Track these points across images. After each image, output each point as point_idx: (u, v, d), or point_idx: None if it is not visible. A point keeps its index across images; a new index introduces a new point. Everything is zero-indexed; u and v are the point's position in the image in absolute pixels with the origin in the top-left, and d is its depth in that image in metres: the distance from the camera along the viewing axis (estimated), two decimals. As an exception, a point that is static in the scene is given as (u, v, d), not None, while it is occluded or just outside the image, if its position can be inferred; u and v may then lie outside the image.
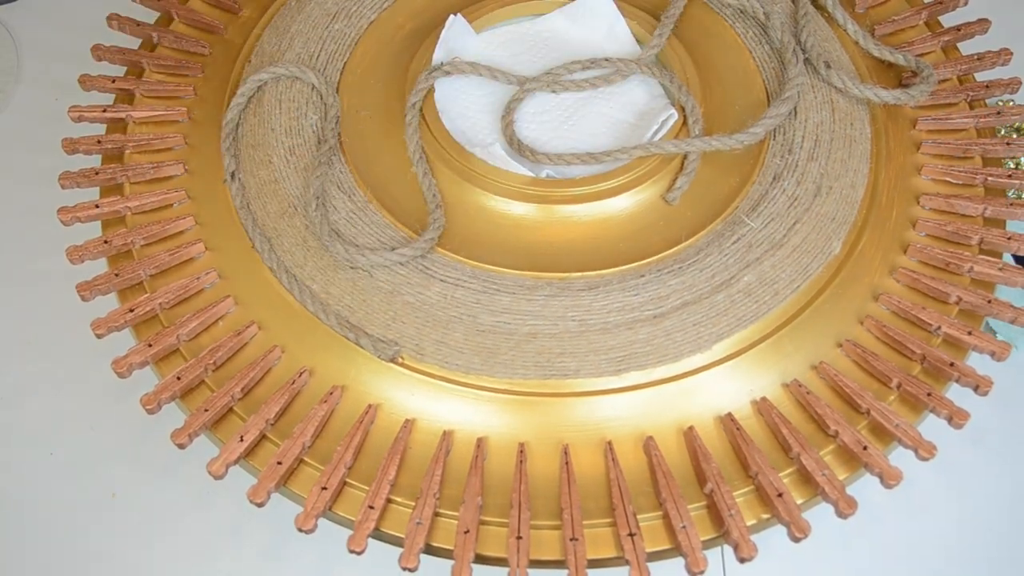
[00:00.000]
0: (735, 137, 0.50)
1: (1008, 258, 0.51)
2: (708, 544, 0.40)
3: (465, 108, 0.54)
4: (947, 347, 0.45)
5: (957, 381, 0.43)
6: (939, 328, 0.45)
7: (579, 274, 0.47)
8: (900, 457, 0.42)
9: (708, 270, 0.46)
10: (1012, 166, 0.52)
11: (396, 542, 0.40)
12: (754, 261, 0.46)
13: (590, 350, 0.44)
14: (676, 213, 0.49)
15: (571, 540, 0.39)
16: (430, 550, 0.40)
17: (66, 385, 0.54)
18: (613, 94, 0.55)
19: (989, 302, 0.45)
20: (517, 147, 0.51)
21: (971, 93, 0.52)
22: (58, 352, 0.56)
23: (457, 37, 0.55)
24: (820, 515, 0.41)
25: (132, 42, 0.57)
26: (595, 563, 0.40)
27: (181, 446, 0.43)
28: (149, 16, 0.58)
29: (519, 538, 0.39)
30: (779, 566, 0.47)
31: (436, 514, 0.41)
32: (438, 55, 0.54)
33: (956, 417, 0.42)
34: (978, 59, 0.54)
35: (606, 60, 0.54)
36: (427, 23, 0.56)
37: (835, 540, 0.47)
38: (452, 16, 0.54)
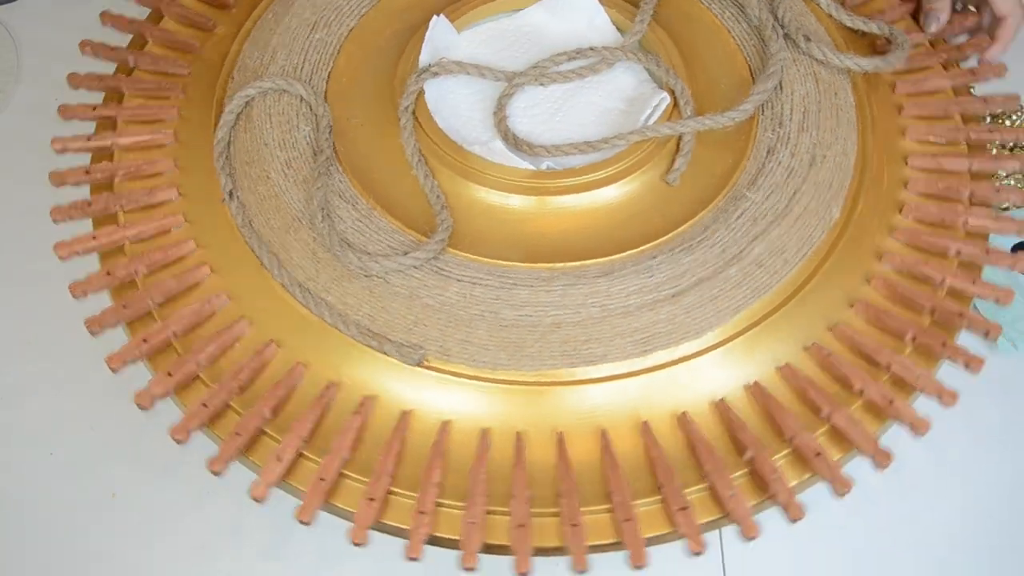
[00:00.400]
0: (726, 115, 0.51)
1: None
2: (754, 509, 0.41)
3: (455, 107, 0.54)
4: (953, 298, 0.47)
5: (968, 328, 0.45)
6: (943, 281, 0.46)
7: (592, 261, 0.47)
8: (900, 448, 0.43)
9: (718, 245, 0.47)
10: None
11: (454, 545, 0.40)
12: (761, 233, 0.47)
13: (615, 334, 0.45)
14: (679, 194, 0.50)
15: (625, 521, 0.39)
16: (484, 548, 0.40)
17: (66, 385, 0.54)
18: (600, 83, 0.55)
19: (987, 252, 0.47)
20: (513, 142, 0.52)
21: (945, 55, 0.55)
22: (58, 352, 0.55)
23: (441, 37, 0.55)
24: (817, 496, 0.42)
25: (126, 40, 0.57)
26: (651, 541, 0.41)
27: (217, 473, 0.42)
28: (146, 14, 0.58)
29: (575, 525, 0.39)
30: (777, 546, 0.49)
31: (489, 512, 0.41)
32: (424, 57, 0.54)
33: (972, 364, 0.43)
34: (948, 23, 0.56)
35: (591, 49, 0.55)
36: (408, 26, 0.56)
37: (831, 522, 0.49)
38: (435, 17, 0.54)
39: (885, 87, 0.55)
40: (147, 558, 0.49)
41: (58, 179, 0.50)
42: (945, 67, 0.55)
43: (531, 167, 0.51)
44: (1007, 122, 0.55)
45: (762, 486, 0.41)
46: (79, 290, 0.46)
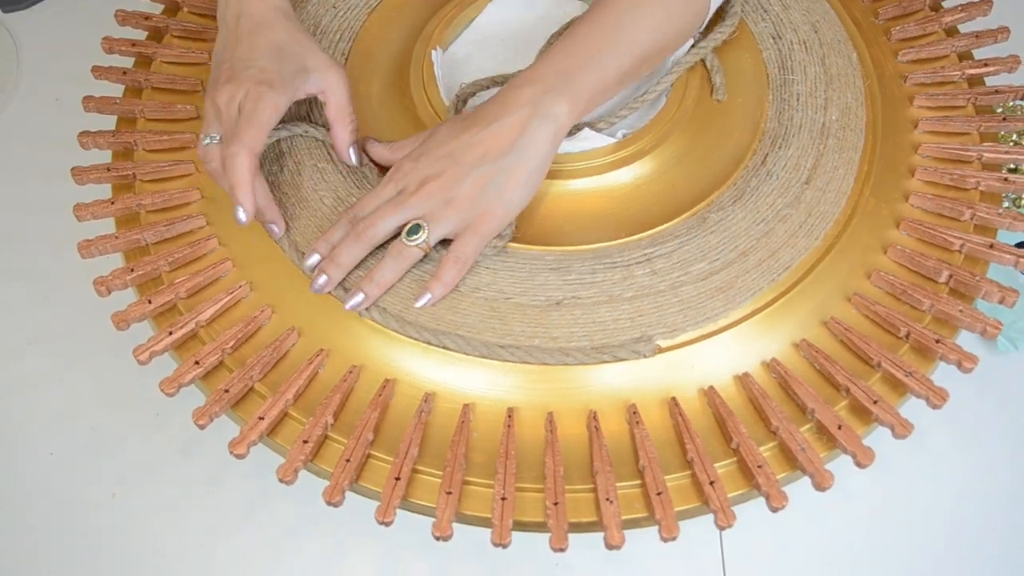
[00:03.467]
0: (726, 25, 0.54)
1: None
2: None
3: None
4: (971, 262, 0.47)
5: (984, 297, 0.45)
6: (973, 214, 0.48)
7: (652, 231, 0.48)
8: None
9: (769, 196, 0.49)
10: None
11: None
12: (781, 212, 0.48)
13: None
14: (693, 178, 0.50)
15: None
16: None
17: (66, 384, 0.55)
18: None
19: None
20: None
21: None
22: (59, 351, 0.56)
23: (444, 66, 0.56)
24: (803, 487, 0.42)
25: (139, 34, 0.58)
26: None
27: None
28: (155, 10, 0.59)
29: (659, 493, 0.40)
30: (769, 532, 0.49)
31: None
32: (443, 92, 0.54)
33: (989, 329, 0.43)
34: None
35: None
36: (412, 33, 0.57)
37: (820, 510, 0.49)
38: (434, 52, 0.54)
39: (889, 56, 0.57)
40: (147, 558, 0.49)
41: (85, 248, 0.49)
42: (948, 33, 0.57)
43: (612, 139, 0.51)
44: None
45: (829, 439, 0.41)
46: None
